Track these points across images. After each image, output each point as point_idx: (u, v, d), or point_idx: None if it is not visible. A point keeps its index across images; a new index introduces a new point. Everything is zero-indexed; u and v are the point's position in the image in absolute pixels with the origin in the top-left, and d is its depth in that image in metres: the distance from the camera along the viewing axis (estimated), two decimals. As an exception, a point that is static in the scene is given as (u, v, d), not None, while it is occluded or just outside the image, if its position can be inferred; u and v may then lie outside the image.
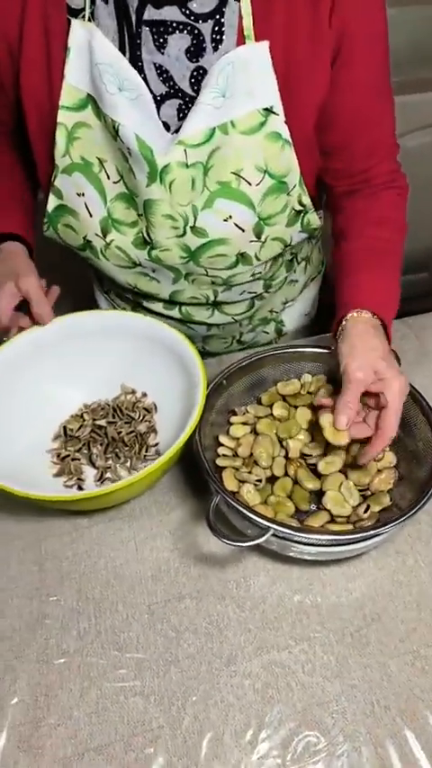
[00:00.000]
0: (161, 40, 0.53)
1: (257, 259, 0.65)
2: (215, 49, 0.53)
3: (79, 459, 0.64)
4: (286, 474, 0.61)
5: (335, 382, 0.59)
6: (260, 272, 0.69)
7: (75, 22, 0.52)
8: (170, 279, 0.68)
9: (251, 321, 0.81)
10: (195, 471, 0.64)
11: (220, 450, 0.61)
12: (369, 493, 0.59)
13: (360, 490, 0.58)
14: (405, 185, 0.66)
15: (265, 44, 0.52)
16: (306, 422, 0.63)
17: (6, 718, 0.50)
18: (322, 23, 0.53)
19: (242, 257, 0.63)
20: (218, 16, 0.52)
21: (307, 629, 0.54)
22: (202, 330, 0.78)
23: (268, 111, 0.55)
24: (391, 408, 0.52)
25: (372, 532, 0.50)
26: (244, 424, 0.63)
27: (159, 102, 0.56)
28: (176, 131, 0.56)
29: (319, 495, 0.59)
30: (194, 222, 0.60)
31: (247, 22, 0.52)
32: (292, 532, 0.50)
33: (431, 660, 0.51)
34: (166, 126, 0.56)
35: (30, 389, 0.64)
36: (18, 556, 0.60)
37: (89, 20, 0.52)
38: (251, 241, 0.62)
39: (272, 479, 0.60)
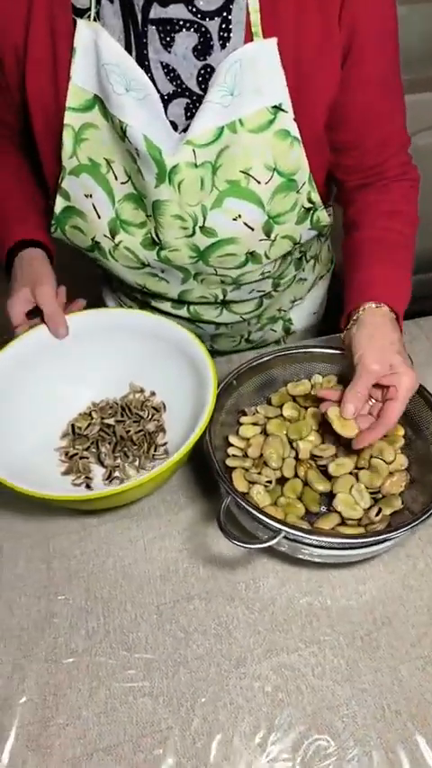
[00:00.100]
0: (168, 39, 0.53)
1: (267, 258, 0.64)
2: (223, 46, 0.53)
3: (87, 458, 0.65)
4: (296, 475, 0.60)
5: (345, 383, 0.58)
6: (269, 271, 0.68)
7: (80, 23, 0.52)
8: (179, 279, 0.68)
9: (259, 320, 0.80)
10: (204, 471, 0.64)
11: (230, 451, 0.61)
12: (380, 495, 0.58)
13: (371, 493, 0.57)
14: (417, 177, 0.66)
15: (273, 41, 0.52)
16: (316, 423, 0.62)
17: (15, 718, 0.50)
18: (332, 20, 0.52)
19: (252, 256, 0.63)
20: (225, 13, 0.52)
21: (317, 631, 0.53)
22: (210, 329, 0.78)
23: (277, 108, 0.54)
24: (398, 401, 0.53)
25: (385, 536, 0.50)
26: (254, 424, 0.63)
27: (167, 101, 0.55)
28: (184, 131, 0.56)
29: (329, 496, 0.58)
30: (203, 222, 0.59)
31: (255, 19, 0.51)
32: (304, 535, 0.49)
33: (443, 665, 0.51)
34: (174, 125, 0.56)
35: (38, 387, 0.64)
36: (26, 553, 0.60)
37: (95, 19, 0.52)
38: (260, 240, 0.62)
39: (282, 480, 0.60)
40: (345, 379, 0.63)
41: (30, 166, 0.69)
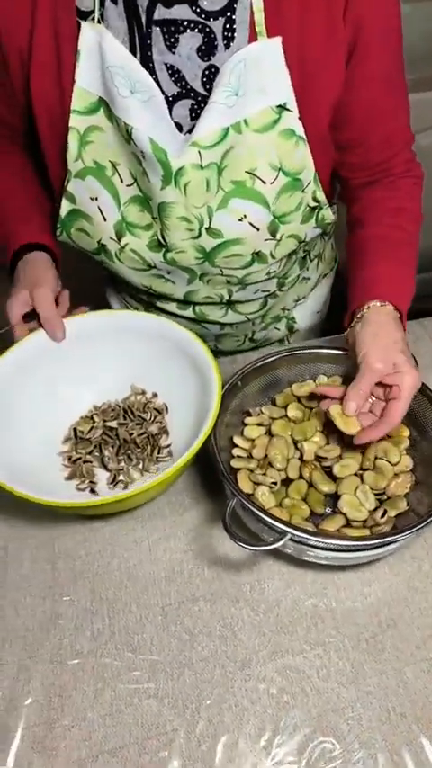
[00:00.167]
0: (172, 40, 0.52)
1: (273, 257, 0.64)
2: (227, 46, 0.53)
3: (91, 462, 0.64)
4: (301, 476, 0.60)
5: (349, 383, 0.58)
6: (275, 271, 0.68)
7: (84, 25, 0.52)
8: (185, 280, 0.68)
9: (264, 319, 0.80)
10: (209, 472, 0.64)
11: (235, 452, 0.60)
12: (385, 497, 0.58)
13: (376, 494, 0.57)
14: (421, 174, 0.66)
15: (277, 40, 0.51)
16: (321, 424, 0.62)
17: (21, 719, 0.50)
18: (336, 18, 0.52)
19: (257, 256, 0.63)
20: (229, 13, 0.52)
21: (322, 633, 0.53)
22: (215, 329, 0.78)
23: (282, 107, 0.54)
24: (402, 400, 0.53)
25: (390, 539, 0.49)
26: (259, 425, 0.63)
27: (171, 102, 0.55)
28: (189, 132, 0.56)
29: (334, 498, 0.58)
30: (209, 223, 0.59)
31: (259, 18, 0.51)
32: (309, 537, 0.49)
33: (449, 667, 0.51)
34: (179, 127, 0.56)
35: (39, 390, 0.63)
36: (31, 554, 0.60)
37: (99, 22, 0.52)
38: (266, 239, 0.61)
39: (286, 482, 0.60)
40: (350, 379, 0.63)
41: (34, 167, 0.69)
